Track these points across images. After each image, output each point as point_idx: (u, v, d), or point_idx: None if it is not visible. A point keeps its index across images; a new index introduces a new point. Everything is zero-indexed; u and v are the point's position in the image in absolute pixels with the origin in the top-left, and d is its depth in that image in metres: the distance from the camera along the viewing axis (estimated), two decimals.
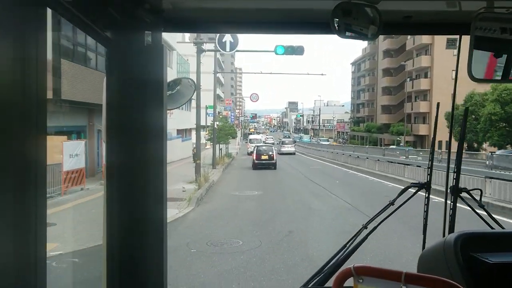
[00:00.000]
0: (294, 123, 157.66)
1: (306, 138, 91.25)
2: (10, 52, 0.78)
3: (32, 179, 0.82)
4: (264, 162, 26.72)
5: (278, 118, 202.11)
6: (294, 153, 45.58)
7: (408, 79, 54.57)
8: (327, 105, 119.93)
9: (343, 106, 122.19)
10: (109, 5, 1.21)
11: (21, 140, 0.80)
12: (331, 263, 1.38)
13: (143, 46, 1.40)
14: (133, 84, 1.35)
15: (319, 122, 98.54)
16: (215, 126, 28.57)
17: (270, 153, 27.13)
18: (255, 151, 27.93)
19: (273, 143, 42.80)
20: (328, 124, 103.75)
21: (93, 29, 1.19)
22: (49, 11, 0.90)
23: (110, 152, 1.37)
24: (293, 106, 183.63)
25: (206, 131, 32.43)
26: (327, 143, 68.68)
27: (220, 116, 38.00)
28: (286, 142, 50.85)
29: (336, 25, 1.30)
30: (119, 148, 1.36)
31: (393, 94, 61.92)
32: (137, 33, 1.38)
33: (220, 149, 32.04)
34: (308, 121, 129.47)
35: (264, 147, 28.88)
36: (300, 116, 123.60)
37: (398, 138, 51.13)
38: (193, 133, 32.33)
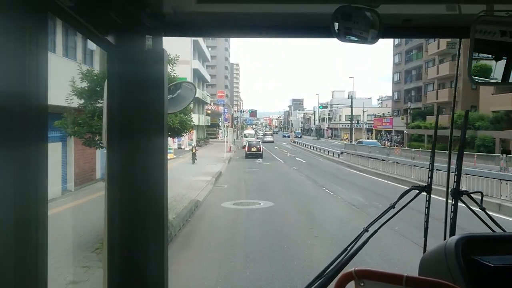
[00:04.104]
0: (302, 122, 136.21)
1: (367, 141, 52.78)
2: (11, 57, 0.79)
3: (32, 181, 0.82)
4: (253, 153, 35.45)
5: (279, 119, 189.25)
6: (272, 142, 64.31)
7: None
8: (348, 98, 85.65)
9: (369, 98, 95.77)
10: (110, 9, 1.21)
11: (22, 143, 0.80)
12: (332, 266, 1.38)
13: (144, 50, 1.40)
14: (134, 88, 1.35)
15: (351, 119, 65.54)
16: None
17: (258, 146, 36.49)
18: (247, 145, 37.33)
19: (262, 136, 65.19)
20: (357, 122, 70.80)
21: (94, 33, 1.19)
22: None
23: (111, 155, 1.37)
24: (297, 103, 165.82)
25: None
26: None
27: None
28: (268, 134, 78.35)
29: (336, 29, 1.30)
30: (120, 151, 1.37)
31: None
32: (138, 38, 1.39)
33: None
34: (324, 118, 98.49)
35: (254, 142, 38.19)
36: (322, 107, 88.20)
37: None
38: None
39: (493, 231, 1.69)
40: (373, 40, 1.32)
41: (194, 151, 26.52)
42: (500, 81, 1.45)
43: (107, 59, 1.36)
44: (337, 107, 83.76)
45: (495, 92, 33.42)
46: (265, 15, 1.52)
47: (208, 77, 58.85)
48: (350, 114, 67.59)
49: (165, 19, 1.43)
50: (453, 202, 1.79)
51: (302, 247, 8.38)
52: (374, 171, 24.26)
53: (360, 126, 70.38)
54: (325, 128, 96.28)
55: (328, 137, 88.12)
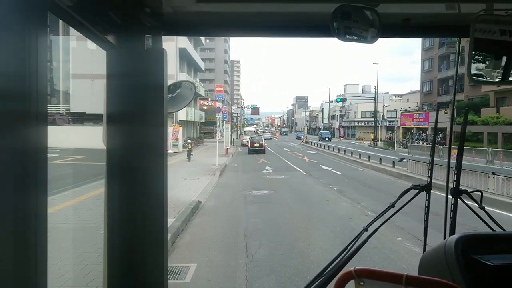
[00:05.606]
0: (307, 121, 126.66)
1: None
2: (12, 56, 0.79)
3: (32, 179, 0.82)
4: (256, 148, 35.59)
5: (283, 117, 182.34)
6: (270, 138, 69.31)
7: None
8: (363, 92, 79.07)
9: (387, 93, 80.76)
10: (109, 9, 1.21)
11: (21, 142, 0.81)
12: (332, 265, 1.38)
13: (144, 50, 1.40)
14: (133, 88, 1.35)
15: (374, 114, 52.36)
16: None
17: (260, 142, 36.78)
18: (249, 141, 37.50)
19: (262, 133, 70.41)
20: (382, 119, 55.58)
21: (93, 33, 1.19)
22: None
23: (110, 155, 1.37)
24: (301, 101, 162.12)
25: None
26: None
27: None
28: (266, 131, 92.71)
29: (335, 28, 1.30)
30: (119, 151, 1.37)
31: None
32: (138, 37, 1.39)
33: None
34: (334, 115, 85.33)
35: (256, 138, 38.63)
36: (340, 100, 70.79)
37: None
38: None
39: (493, 230, 1.69)
40: (373, 39, 1.32)
41: (189, 147, 26.57)
42: (499, 80, 1.46)
43: (107, 58, 1.36)
44: (358, 99, 68.54)
45: None
46: (264, 14, 1.52)
47: (201, 64, 51.02)
48: (366, 110, 56.39)
49: (164, 18, 1.44)
50: (452, 201, 1.79)
51: None
52: None
53: (380, 123, 55.49)
54: (336, 127, 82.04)
55: (341, 137, 75.83)
